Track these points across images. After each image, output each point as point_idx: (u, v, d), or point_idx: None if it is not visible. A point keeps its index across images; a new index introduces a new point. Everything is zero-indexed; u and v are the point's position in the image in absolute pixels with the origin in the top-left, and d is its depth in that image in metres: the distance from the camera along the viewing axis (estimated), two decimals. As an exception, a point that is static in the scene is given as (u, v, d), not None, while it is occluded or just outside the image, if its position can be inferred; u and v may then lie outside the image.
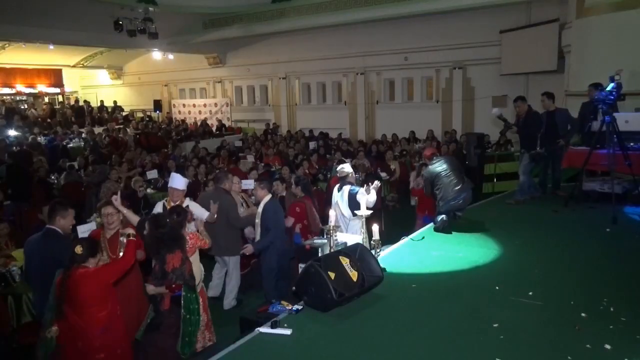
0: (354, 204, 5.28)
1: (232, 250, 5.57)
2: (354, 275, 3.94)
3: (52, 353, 3.46)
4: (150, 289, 3.95)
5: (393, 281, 4.35)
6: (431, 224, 5.99)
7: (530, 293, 3.98)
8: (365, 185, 5.20)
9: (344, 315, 3.72)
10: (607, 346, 3.14)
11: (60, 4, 13.36)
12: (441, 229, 5.72)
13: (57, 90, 22.98)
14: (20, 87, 21.47)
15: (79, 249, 3.46)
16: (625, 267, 4.53)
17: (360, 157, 9.72)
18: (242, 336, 3.61)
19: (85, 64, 21.99)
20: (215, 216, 5.17)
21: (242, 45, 18.85)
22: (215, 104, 19.88)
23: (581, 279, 4.34)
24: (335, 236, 4.61)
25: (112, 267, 3.67)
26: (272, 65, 18.46)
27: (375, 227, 4.67)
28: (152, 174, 9.42)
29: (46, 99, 22.62)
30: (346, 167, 5.83)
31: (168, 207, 5.12)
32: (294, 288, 4.15)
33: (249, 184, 6.53)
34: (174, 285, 3.91)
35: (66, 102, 23.20)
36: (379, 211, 6.09)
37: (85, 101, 22.15)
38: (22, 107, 20.52)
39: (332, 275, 3.75)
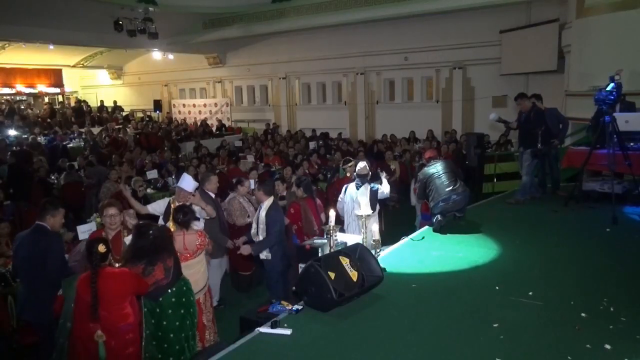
0: (374, 201, 5.66)
1: (214, 253, 5.54)
2: (354, 275, 3.94)
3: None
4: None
5: (393, 281, 4.35)
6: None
7: (530, 293, 3.98)
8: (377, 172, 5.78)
9: (344, 315, 3.72)
10: (607, 346, 3.14)
11: (60, 4, 13.36)
12: (438, 229, 5.73)
13: (57, 90, 22.98)
14: (20, 87, 21.48)
15: (102, 248, 3.42)
16: (625, 267, 4.53)
17: (360, 157, 9.71)
18: (242, 336, 3.60)
19: (85, 64, 21.99)
20: (214, 213, 5.22)
21: (242, 45, 18.85)
22: (215, 104, 19.88)
23: (581, 279, 4.34)
24: (335, 236, 4.61)
25: (139, 280, 3.62)
26: (272, 65, 18.46)
27: (375, 227, 4.67)
28: (152, 174, 9.42)
29: (46, 99, 22.62)
30: (361, 165, 5.98)
31: (173, 206, 5.13)
32: (294, 288, 4.15)
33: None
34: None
35: (66, 102, 23.20)
36: (378, 211, 6.10)
37: (83, 101, 22.16)
38: (22, 107, 20.53)
39: (332, 275, 3.75)
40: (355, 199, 5.74)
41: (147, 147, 13.16)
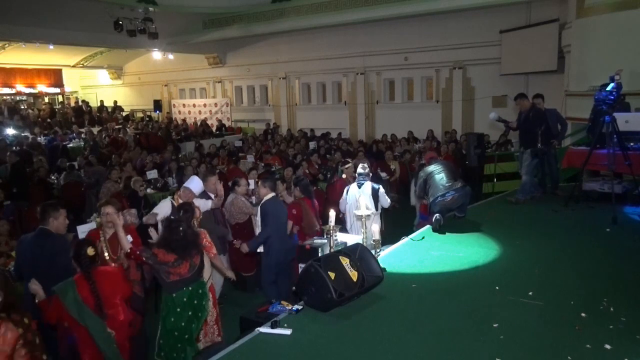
0: (376, 200, 5.82)
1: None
2: (354, 275, 3.94)
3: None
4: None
5: (393, 281, 4.35)
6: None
7: (530, 293, 3.98)
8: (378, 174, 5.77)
9: (344, 315, 3.72)
10: (607, 346, 3.14)
11: (60, 4, 13.36)
12: (437, 228, 5.74)
13: (57, 90, 23.00)
14: (20, 87, 21.48)
15: (91, 251, 3.50)
16: (625, 267, 4.53)
17: (360, 157, 9.72)
18: (242, 336, 3.60)
19: (85, 64, 22.00)
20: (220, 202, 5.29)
21: (242, 45, 18.86)
22: (215, 104, 19.88)
23: (581, 279, 4.34)
24: (335, 236, 4.62)
25: (126, 282, 3.76)
26: (272, 65, 18.47)
27: (375, 227, 4.67)
28: (152, 174, 9.42)
29: (46, 99, 22.63)
30: (360, 165, 6.16)
31: (176, 204, 5.15)
32: (294, 288, 4.15)
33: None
34: (139, 258, 3.80)
35: (66, 102, 23.21)
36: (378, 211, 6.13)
37: (83, 101, 22.16)
38: (24, 107, 20.54)
39: (332, 275, 3.75)
40: (359, 197, 5.77)
41: (147, 147, 13.16)
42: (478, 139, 9.37)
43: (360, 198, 5.67)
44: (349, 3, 14.27)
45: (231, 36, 17.20)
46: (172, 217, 4.28)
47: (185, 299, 3.78)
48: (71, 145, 14.74)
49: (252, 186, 6.68)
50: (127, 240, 3.94)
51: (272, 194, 5.31)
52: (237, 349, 3.39)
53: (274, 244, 5.23)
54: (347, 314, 3.74)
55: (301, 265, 4.41)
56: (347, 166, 7.36)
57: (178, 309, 3.76)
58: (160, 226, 5.15)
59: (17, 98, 21.56)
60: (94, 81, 24.71)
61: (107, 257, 4.16)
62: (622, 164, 5.99)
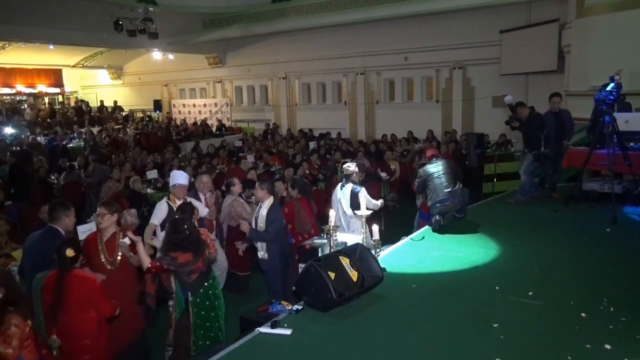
0: (355, 203, 5.44)
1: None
2: (354, 275, 3.94)
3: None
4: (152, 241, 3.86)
5: (393, 281, 4.35)
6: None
7: (530, 293, 3.98)
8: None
9: (344, 315, 3.72)
10: (607, 346, 3.14)
11: (60, 4, 13.36)
12: (437, 229, 5.74)
13: (57, 90, 22.99)
14: (20, 87, 21.47)
15: (70, 252, 3.40)
16: (625, 267, 4.53)
17: (360, 157, 9.72)
18: (242, 336, 3.60)
19: (85, 64, 21.99)
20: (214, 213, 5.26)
21: (242, 45, 18.85)
22: (215, 104, 19.88)
23: (581, 279, 4.34)
24: (335, 236, 4.61)
25: (102, 298, 3.56)
26: (272, 65, 18.46)
27: (375, 227, 4.67)
28: (152, 174, 9.42)
29: (46, 99, 22.62)
30: (352, 166, 5.95)
31: (173, 204, 5.15)
32: (294, 288, 4.15)
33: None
34: (162, 266, 3.78)
35: (66, 102, 23.20)
36: (378, 211, 6.10)
37: (82, 101, 22.15)
38: (25, 107, 20.54)
39: (332, 275, 3.75)
40: (338, 200, 5.77)
41: (147, 147, 13.16)
42: (478, 139, 9.38)
43: (341, 200, 5.69)
44: (349, 3, 14.27)
45: (231, 36, 17.20)
46: (175, 217, 4.29)
47: (210, 292, 3.95)
48: (71, 145, 14.73)
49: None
50: (147, 258, 3.92)
51: (271, 198, 5.26)
52: (237, 349, 3.39)
53: (280, 246, 5.22)
54: (347, 314, 3.74)
55: (301, 265, 4.41)
56: (346, 166, 7.34)
57: (207, 302, 3.92)
58: (158, 230, 5.17)
59: (17, 98, 21.55)
60: (94, 81, 24.71)
61: (104, 260, 4.11)
62: (622, 164, 5.99)
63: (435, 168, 5.83)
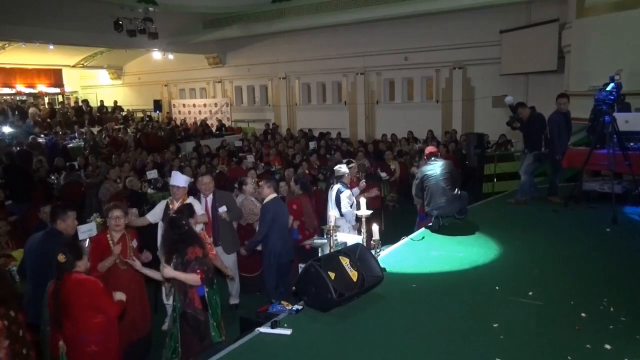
0: (338, 205, 5.59)
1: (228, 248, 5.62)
2: (354, 275, 3.94)
3: None
4: (168, 270, 3.73)
5: (393, 281, 4.35)
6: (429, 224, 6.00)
7: (530, 293, 3.98)
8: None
9: (344, 315, 3.73)
10: (607, 346, 3.14)
11: (60, 4, 13.35)
12: (436, 229, 5.74)
13: (57, 90, 22.97)
14: (20, 87, 21.46)
15: (61, 258, 3.33)
16: (625, 267, 4.53)
17: (360, 157, 9.72)
18: (242, 336, 3.60)
19: (85, 64, 21.99)
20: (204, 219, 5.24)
21: (242, 45, 18.85)
22: (215, 104, 19.87)
23: (581, 279, 4.34)
24: (335, 236, 4.62)
25: (106, 300, 3.47)
26: (272, 65, 18.46)
27: (375, 227, 4.67)
28: (152, 174, 9.42)
29: (46, 99, 22.62)
30: (343, 167, 5.94)
31: (171, 206, 5.15)
32: (294, 288, 4.15)
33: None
34: (198, 271, 3.71)
35: (66, 102, 23.20)
36: (378, 211, 6.11)
37: (83, 101, 22.16)
38: (26, 107, 20.52)
39: (332, 275, 3.75)
40: (326, 200, 5.83)
41: (147, 147, 13.16)
42: (478, 139, 9.37)
43: (329, 200, 5.72)
44: (349, 3, 14.26)
45: (231, 36, 17.19)
46: (172, 215, 4.28)
47: (215, 288, 3.96)
48: (71, 145, 14.73)
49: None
50: (156, 273, 3.94)
51: (274, 195, 5.33)
52: (237, 349, 3.39)
53: (275, 244, 5.25)
54: (347, 314, 3.74)
55: (301, 265, 4.41)
56: (350, 166, 7.35)
57: (216, 296, 3.94)
58: (160, 230, 5.17)
59: (17, 98, 21.55)
60: (94, 81, 24.71)
61: (117, 261, 4.17)
62: (622, 164, 5.99)
63: (433, 170, 5.73)
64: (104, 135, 15.42)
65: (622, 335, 3.29)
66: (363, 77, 16.66)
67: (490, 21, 13.49)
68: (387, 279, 4.24)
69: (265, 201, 5.33)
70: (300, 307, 3.84)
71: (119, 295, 3.57)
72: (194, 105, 20.57)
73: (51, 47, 17.28)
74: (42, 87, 22.22)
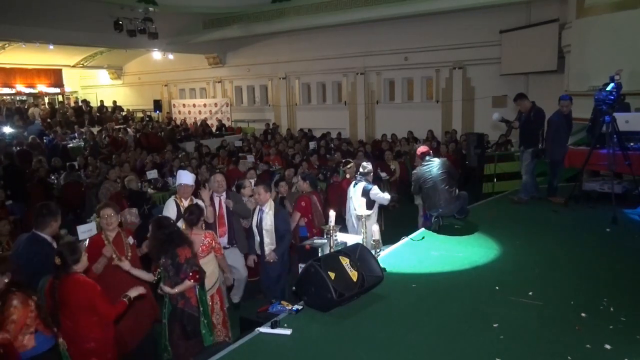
0: (368, 200, 5.38)
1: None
2: (354, 275, 3.94)
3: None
4: (168, 289, 3.77)
5: (393, 281, 4.35)
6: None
7: (530, 293, 3.98)
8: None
9: (344, 315, 3.73)
10: (607, 346, 3.14)
11: (61, 4, 13.36)
12: (436, 229, 5.74)
13: (57, 90, 22.98)
14: (20, 87, 21.47)
15: (57, 261, 3.34)
16: (625, 267, 4.53)
17: (359, 157, 9.72)
18: (242, 336, 3.60)
19: (85, 64, 22.00)
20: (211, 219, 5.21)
21: (242, 45, 18.86)
22: (215, 104, 19.88)
23: (581, 279, 4.34)
24: (335, 236, 4.62)
25: (103, 303, 3.45)
26: (272, 65, 18.47)
27: (375, 227, 4.67)
28: (152, 174, 9.42)
29: (46, 99, 22.62)
30: (368, 166, 5.88)
31: (181, 204, 5.13)
32: (294, 288, 4.15)
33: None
34: (191, 274, 3.74)
35: (66, 102, 23.21)
36: (378, 211, 6.10)
37: (83, 100, 22.17)
38: (25, 107, 20.54)
39: (332, 275, 3.75)
40: (350, 197, 5.78)
41: (147, 147, 13.16)
42: (478, 139, 9.37)
43: (353, 198, 5.68)
44: (349, 3, 14.27)
45: (231, 36, 17.20)
46: (159, 216, 4.29)
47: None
48: (71, 145, 14.73)
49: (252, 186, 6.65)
50: (148, 274, 3.97)
51: (271, 200, 5.25)
52: (237, 349, 3.39)
53: (283, 251, 5.21)
54: (347, 314, 3.74)
55: (301, 265, 4.41)
56: (348, 166, 7.36)
57: (204, 297, 3.95)
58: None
59: (17, 98, 21.55)
60: (94, 81, 24.72)
61: (116, 259, 4.15)
62: (622, 164, 5.99)
63: (429, 170, 5.68)
64: (104, 136, 15.42)
65: (622, 335, 3.29)
66: (363, 77, 16.66)
67: (490, 21, 13.49)
68: (387, 279, 4.24)
69: (274, 211, 5.14)
70: (300, 307, 3.84)
71: (134, 292, 3.59)
72: (194, 105, 20.58)
73: (51, 47, 17.29)
74: (42, 87, 22.23)
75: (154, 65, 21.52)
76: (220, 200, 5.49)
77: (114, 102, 22.54)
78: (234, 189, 6.46)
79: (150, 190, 8.70)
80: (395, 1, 13.45)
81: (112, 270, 4.06)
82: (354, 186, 5.82)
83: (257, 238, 5.20)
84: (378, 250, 4.65)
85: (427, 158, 5.86)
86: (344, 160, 8.59)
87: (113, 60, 22.11)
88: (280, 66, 18.32)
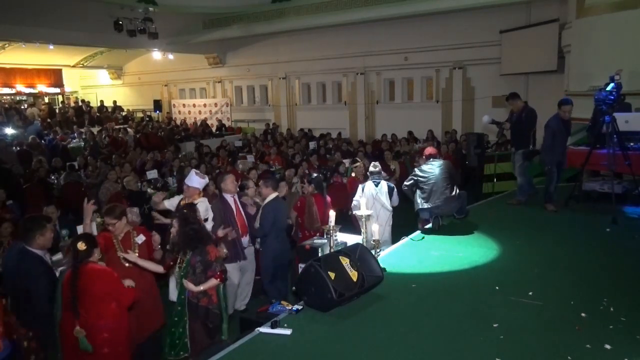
0: (392, 197, 5.91)
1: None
2: (354, 275, 3.94)
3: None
4: (191, 287, 3.77)
5: (393, 281, 4.35)
6: (429, 225, 5.99)
7: (530, 293, 3.98)
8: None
9: (344, 315, 3.73)
10: (607, 346, 3.14)
11: (61, 4, 13.36)
12: (437, 229, 5.75)
13: (57, 90, 22.98)
14: (20, 87, 21.46)
15: (82, 245, 3.43)
16: (625, 267, 4.53)
17: (360, 157, 9.72)
18: (242, 336, 3.60)
19: (85, 64, 21.99)
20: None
21: (242, 45, 18.85)
22: (215, 104, 19.88)
23: (581, 278, 4.34)
24: (335, 236, 4.62)
25: (120, 288, 3.60)
26: (272, 65, 18.46)
27: (375, 227, 4.67)
28: (152, 174, 9.42)
29: (46, 99, 22.61)
30: (379, 165, 6.22)
31: (182, 204, 5.12)
32: (294, 288, 4.15)
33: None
34: (218, 273, 3.80)
35: (66, 102, 23.20)
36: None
37: (83, 100, 22.16)
38: (23, 106, 20.53)
39: (332, 275, 3.75)
40: (376, 195, 5.87)
41: (147, 147, 13.15)
42: (478, 139, 9.37)
43: (379, 195, 5.81)
44: (349, 3, 14.27)
45: (231, 36, 17.19)
46: (183, 211, 4.27)
47: None
48: (71, 145, 14.73)
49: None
50: (157, 266, 4.06)
51: (274, 194, 5.33)
52: (237, 349, 3.39)
53: (272, 243, 5.24)
54: (347, 314, 3.74)
55: (301, 265, 4.41)
56: (356, 165, 7.41)
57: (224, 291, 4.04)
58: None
59: (17, 98, 21.54)
60: (94, 81, 24.71)
61: (121, 257, 4.17)
62: (622, 164, 5.99)
63: (431, 170, 5.70)
64: (104, 136, 15.41)
65: (622, 335, 3.29)
66: (363, 77, 16.66)
67: (490, 21, 13.49)
68: (387, 279, 4.24)
69: (266, 201, 5.30)
70: (300, 307, 3.84)
71: (128, 282, 3.73)
72: (194, 105, 20.58)
73: (51, 47, 17.28)
74: (42, 87, 22.22)
75: (154, 65, 21.51)
76: (234, 200, 5.46)
77: (114, 102, 22.52)
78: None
79: (150, 190, 8.70)
80: (395, 1, 13.45)
81: (114, 267, 4.06)
82: (376, 185, 5.92)
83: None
84: (378, 250, 4.65)
85: (432, 159, 5.91)
86: (351, 160, 8.61)
87: (113, 60, 22.10)
88: (280, 66, 18.31)
